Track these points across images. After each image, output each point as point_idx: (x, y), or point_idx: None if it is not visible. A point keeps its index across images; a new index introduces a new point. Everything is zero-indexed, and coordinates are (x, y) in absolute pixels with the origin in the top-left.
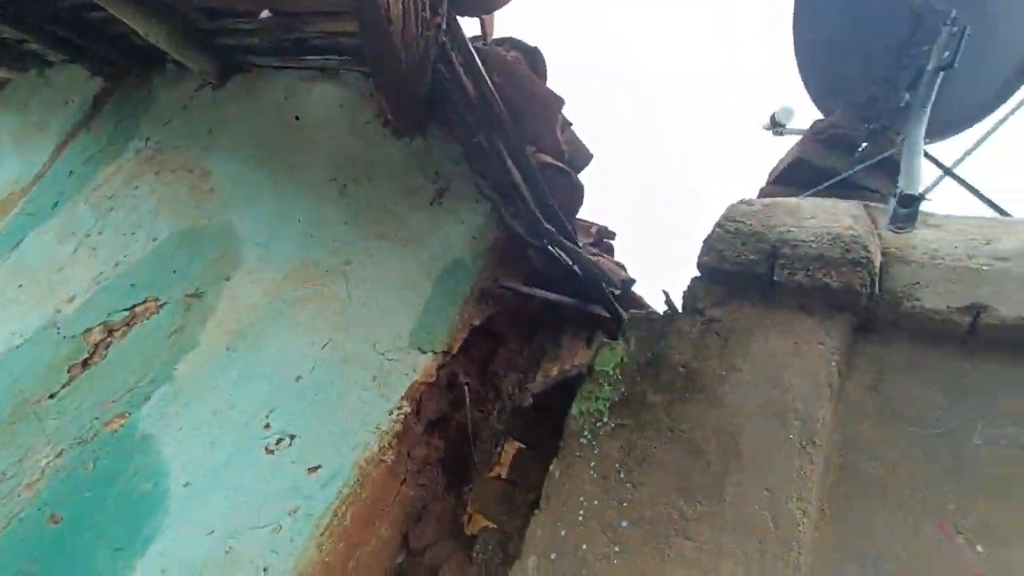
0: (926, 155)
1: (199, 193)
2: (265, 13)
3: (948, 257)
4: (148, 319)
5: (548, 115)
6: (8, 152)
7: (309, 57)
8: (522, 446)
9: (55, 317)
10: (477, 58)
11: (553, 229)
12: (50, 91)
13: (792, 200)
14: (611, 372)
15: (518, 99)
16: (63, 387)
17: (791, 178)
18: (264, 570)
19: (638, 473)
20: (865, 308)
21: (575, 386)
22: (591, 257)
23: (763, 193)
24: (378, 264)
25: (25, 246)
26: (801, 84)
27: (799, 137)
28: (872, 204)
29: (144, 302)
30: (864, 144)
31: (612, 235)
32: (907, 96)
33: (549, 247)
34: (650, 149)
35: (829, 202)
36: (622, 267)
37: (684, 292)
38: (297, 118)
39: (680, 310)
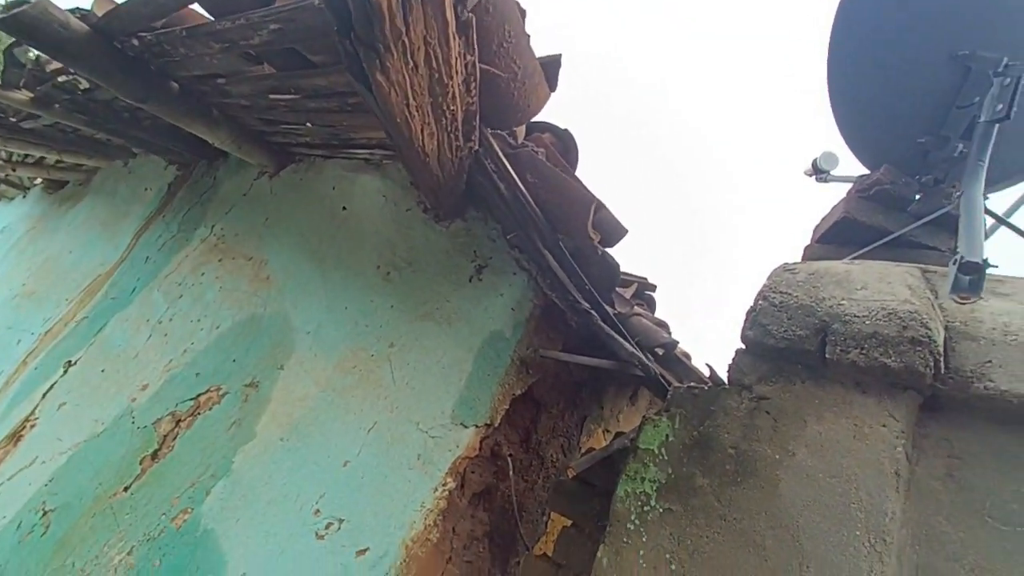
0: (986, 212)
1: (257, 282)
2: (308, 125)
3: (1023, 333)
4: (210, 410)
5: (580, 210)
6: (98, 236)
7: (353, 150)
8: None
9: (130, 406)
10: (509, 166)
11: (588, 306)
12: (134, 179)
13: (840, 267)
14: (656, 451)
15: (551, 197)
16: (135, 480)
17: (838, 237)
18: None
19: (690, 565)
20: (930, 387)
21: (618, 460)
22: (633, 317)
23: (808, 253)
24: (422, 345)
25: (108, 330)
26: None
27: (843, 184)
28: (929, 268)
29: (207, 391)
30: (917, 197)
31: (652, 287)
32: (960, 147)
33: (586, 317)
34: (685, 191)
35: (882, 268)
36: (664, 325)
37: (729, 366)
38: (344, 208)
39: (726, 383)
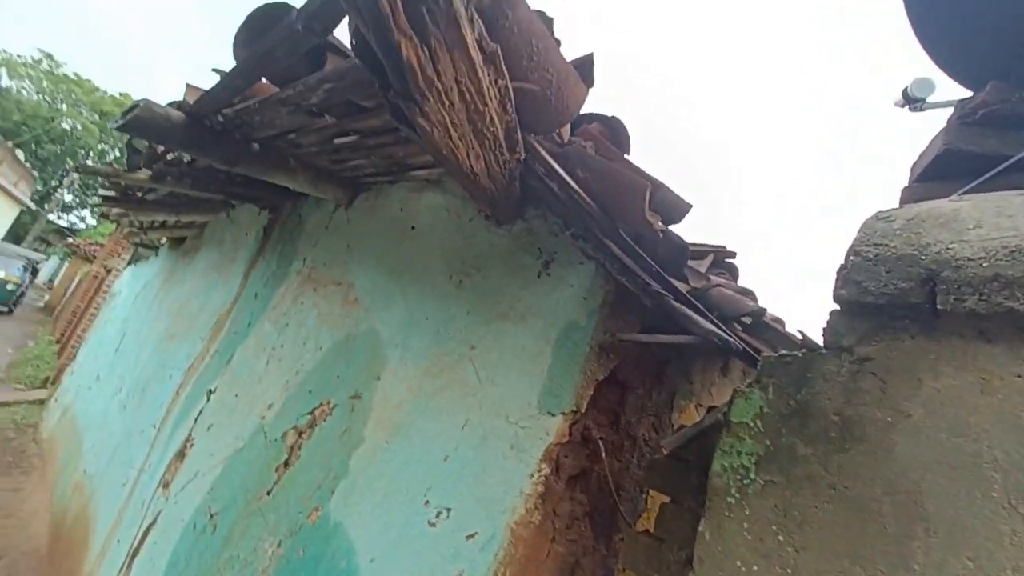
0: None
1: (348, 304)
2: (371, 159)
3: None
4: (325, 421)
5: (634, 196)
6: (215, 280)
7: (414, 172)
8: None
9: (261, 423)
10: (557, 165)
11: (659, 287)
12: (235, 227)
13: (945, 205)
14: (751, 424)
15: (604, 188)
16: (274, 485)
17: (941, 172)
18: None
19: (799, 536)
20: None
21: (712, 435)
22: (713, 289)
23: (908, 194)
24: (500, 344)
25: (235, 361)
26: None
27: (944, 112)
28: None
29: (320, 405)
30: None
31: (732, 255)
32: None
33: (659, 298)
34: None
35: (999, 200)
36: (749, 293)
37: (823, 329)
38: (412, 227)
39: (822, 348)
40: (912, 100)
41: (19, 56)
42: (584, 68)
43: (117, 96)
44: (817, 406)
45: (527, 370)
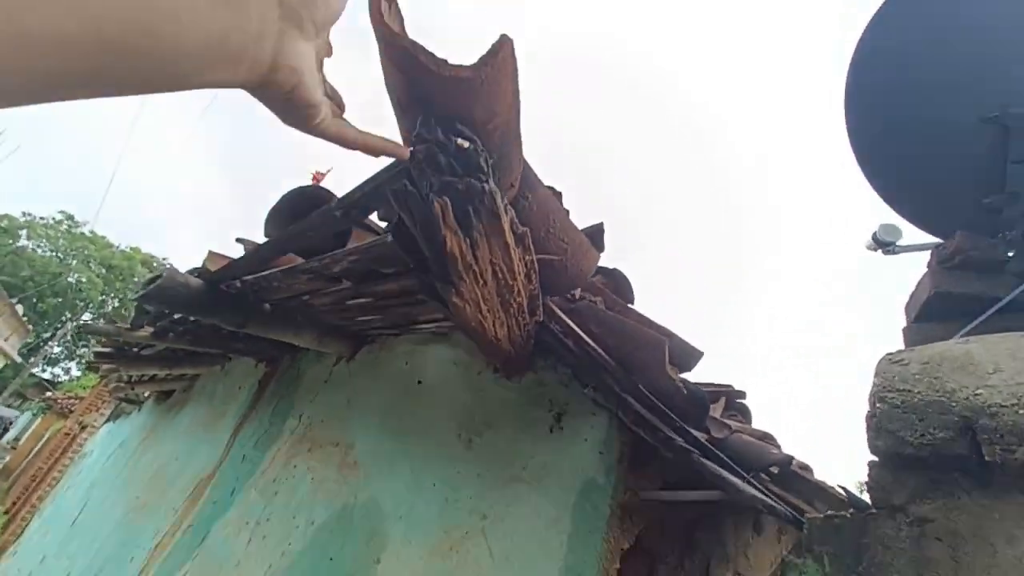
0: None
1: (346, 468)
2: (380, 317)
3: None
4: None
5: (655, 352)
6: (201, 438)
7: (422, 326)
8: None
9: None
10: (573, 324)
11: (682, 440)
12: (229, 380)
13: (955, 348)
14: None
15: (619, 343)
16: None
17: (936, 313)
18: None
19: None
20: None
21: None
22: (733, 436)
23: (909, 336)
24: (515, 512)
25: (211, 539)
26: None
27: (911, 254)
28: None
29: None
30: (1010, 255)
31: (742, 395)
32: None
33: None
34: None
35: (1009, 343)
36: (769, 437)
37: (867, 483)
38: (419, 382)
39: (871, 505)
40: (883, 244)
41: (42, 219)
42: (596, 236)
43: (127, 251)
44: None
45: (545, 542)
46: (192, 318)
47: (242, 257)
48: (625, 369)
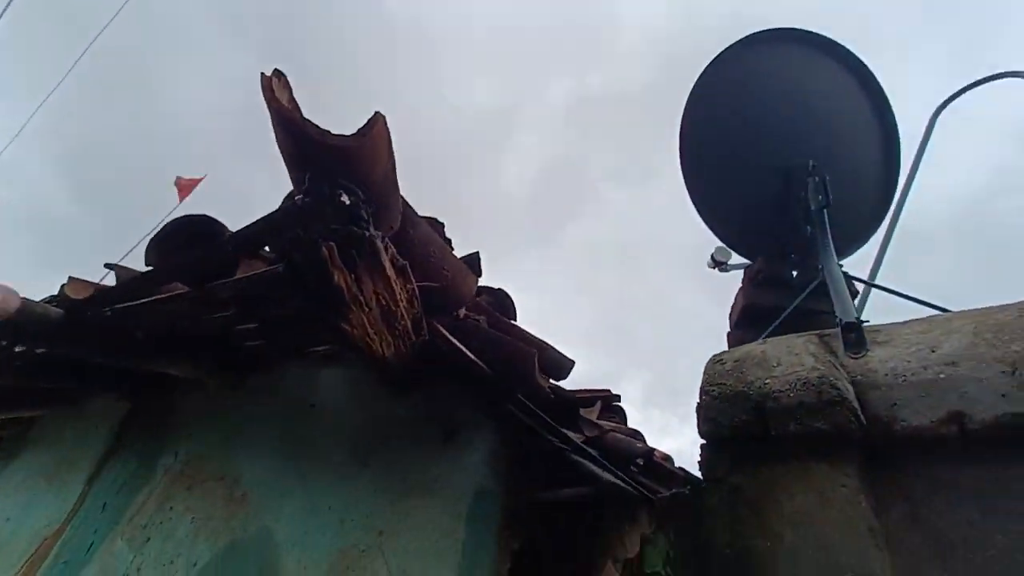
0: (847, 276)
1: (232, 503)
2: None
3: (907, 373)
4: None
5: (524, 361)
6: (42, 492)
7: (312, 349)
8: None
9: None
10: (456, 341)
11: (557, 440)
12: (82, 422)
13: (756, 349)
14: (663, 573)
15: (497, 355)
16: None
17: (748, 320)
18: None
19: None
20: (861, 440)
21: None
22: (606, 435)
23: (731, 338)
24: (410, 524)
25: None
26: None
27: (738, 272)
28: (825, 332)
29: None
30: (795, 273)
31: (616, 398)
32: (808, 229)
33: (559, 452)
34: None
35: (788, 342)
36: (637, 435)
37: (699, 462)
38: (312, 405)
39: (703, 481)
40: (718, 263)
41: None
42: (473, 263)
43: None
44: (713, 544)
45: (441, 552)
46: (39, 350)
47: (120, 284)
48: (503, 379)
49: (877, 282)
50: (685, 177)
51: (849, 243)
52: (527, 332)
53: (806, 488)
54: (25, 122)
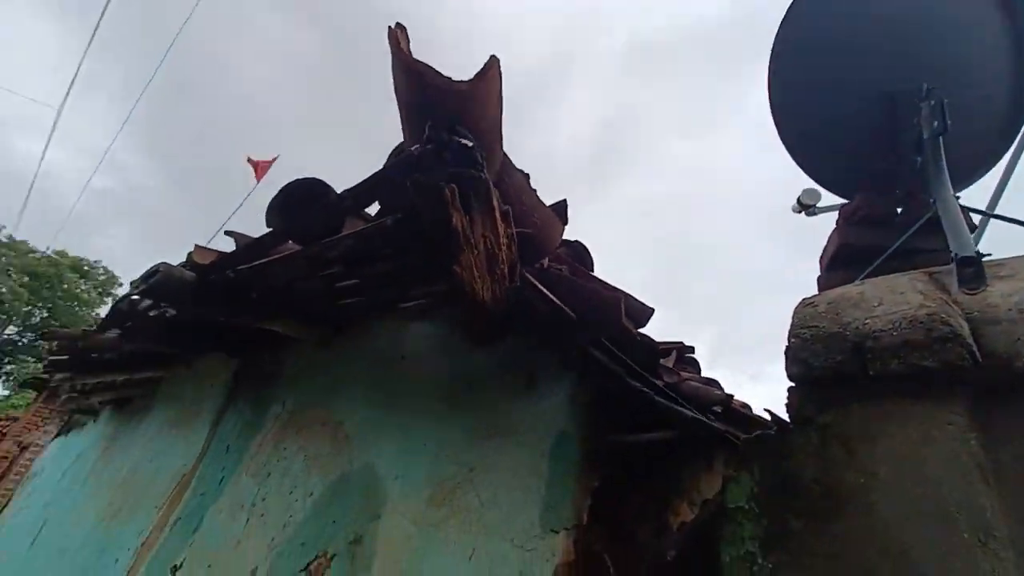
0: (963, 209)
1: (337, 442)
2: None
3: None
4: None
5: (612, 310)
6: (174, 439)
7: (403, 305)
8: None
9: None
10: (544, 288)
11: (640, 384)
12: (198, 379)
13: (852, 290)
14: (747, 507)
15: (581, 304)
16: None
17: (842, 263)
18: None
19: None
20: (976, 379)
21: (713, 528)
22: (684, 383)
23: (822, 281)
24: (497, 462)
25: (206, 525)
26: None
27: (833, 213)
28: (935, 270)
29: (316, 559)
30: (900, 211)
31: (691, 349)
32: (919, 159)
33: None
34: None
35: (890, 281)
36: (714, 383)
37: (786, 404)
38: (403, 357)
39: (789, 423)
40: (805, 207)
41: None
42: (560, 210)
43: (52, 255)
44: (801, 478)
45: (526, 487)
46: (167, 314)
47: (241, 248)
48: (588, 326)
49: (998, 212)
50: (773, 109)
51: (968, 173)
52: (606, 282)
53: (906, 426)
54: (127, 116)
